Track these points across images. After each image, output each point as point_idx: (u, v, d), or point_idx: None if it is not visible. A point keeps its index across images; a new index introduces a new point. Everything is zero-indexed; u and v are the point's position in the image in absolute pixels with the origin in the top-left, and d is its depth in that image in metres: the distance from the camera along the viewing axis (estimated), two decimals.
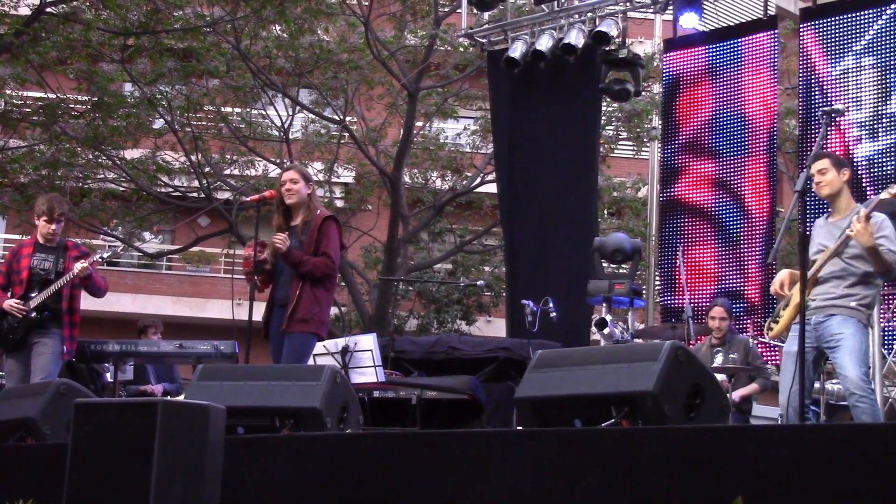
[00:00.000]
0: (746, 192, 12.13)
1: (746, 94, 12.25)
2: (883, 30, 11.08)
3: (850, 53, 11.25)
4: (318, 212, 7.87)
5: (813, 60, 11.48)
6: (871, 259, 6.79)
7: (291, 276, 7.71)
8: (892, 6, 11.07)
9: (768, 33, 12.25)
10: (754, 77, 12.22)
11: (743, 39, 12.40)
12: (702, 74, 12.57)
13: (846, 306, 6.83)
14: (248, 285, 7.84)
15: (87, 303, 9.03)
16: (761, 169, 12.05)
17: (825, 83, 11.39)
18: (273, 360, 7.82)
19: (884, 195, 6.95)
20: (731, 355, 9.64)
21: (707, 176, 12.36)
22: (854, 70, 11.20)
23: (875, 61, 11.09)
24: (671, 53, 13.06)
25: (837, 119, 10.30)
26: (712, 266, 12.24)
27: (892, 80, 11.00)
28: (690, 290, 11.64)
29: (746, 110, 12.23)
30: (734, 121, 12.30)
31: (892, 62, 11.01)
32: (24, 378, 8.52)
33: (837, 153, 10.34)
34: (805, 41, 11.67)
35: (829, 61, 11.38)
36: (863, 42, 11.19)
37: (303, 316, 7.59)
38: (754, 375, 9.71)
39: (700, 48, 12.59)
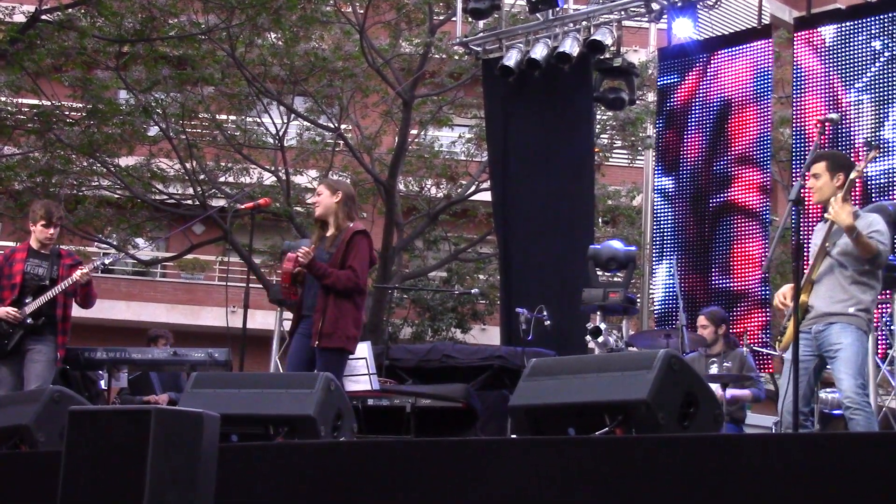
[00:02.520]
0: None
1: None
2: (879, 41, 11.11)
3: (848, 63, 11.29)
4: (351, 224, 7.81)
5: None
6: (854, 243, 6.72)
7: (321, 289, 7.67)
8: (884, 15, 11.09)
9: (763, 42, 12.28)
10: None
11: (737, 48, 12.42)
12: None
13: (844, 313, 6.77)
14: (243, 293, 7.83)
15: (81, 310, 9.01)
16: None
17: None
18: (288, 365, 7.78)
19: (853, 175, 6.94)
20: (725, 363, 9.63)
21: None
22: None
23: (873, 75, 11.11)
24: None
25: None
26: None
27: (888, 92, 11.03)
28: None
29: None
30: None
31: (888, 76, 11.03)
32: (16, 386, 8.50)
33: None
34: (799, 50, 11.70)
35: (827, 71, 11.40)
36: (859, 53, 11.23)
37: (328, 330, 7.50)
38: (748, 386, 9.70)
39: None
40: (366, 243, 7.77)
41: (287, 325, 8.70)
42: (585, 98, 12.85)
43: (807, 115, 11.48)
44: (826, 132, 9.36)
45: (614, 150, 20.89)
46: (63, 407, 6.29)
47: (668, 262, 12.44)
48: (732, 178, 12.30)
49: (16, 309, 8.52)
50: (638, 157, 19.66)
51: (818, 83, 11.47)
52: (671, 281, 12.18)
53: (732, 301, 11.95)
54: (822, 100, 11.40)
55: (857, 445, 4.28)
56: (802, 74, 11.63)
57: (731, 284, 12.04)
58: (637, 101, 15.20)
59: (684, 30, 12.70)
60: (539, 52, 12.57)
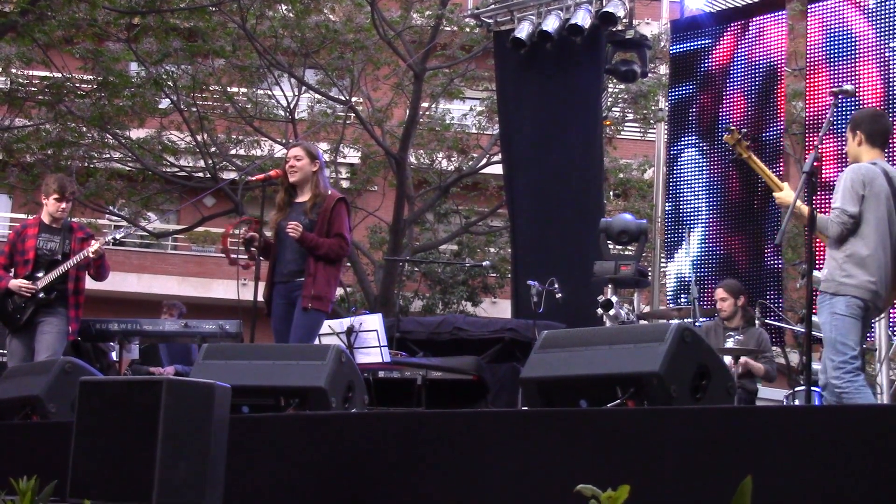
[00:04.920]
0: None
1: None
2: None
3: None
4: (329, 192, 7.84)
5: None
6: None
7: (298, 254, 7.68)
8: None
9: (776, 14, 12.19)
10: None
11: (750, 20, 12.33)
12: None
13: (821, 279, 6.55)
14: (254, 266, 7.82)
15: (92, 282, 9.02)
16: None
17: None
18: (275, 336, 7.81)
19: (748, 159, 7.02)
20: (737, 337, 9.60)
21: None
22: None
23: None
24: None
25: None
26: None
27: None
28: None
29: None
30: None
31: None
32: (26, 357, 8.52)
33: None
34: (814, 22, 11.60)
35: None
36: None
37: (318, 293, 7.58)
38: (763, 363, 9.68)
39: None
40: (346, 210, 7.87)
41: None
42: (597, 71, 12.79)
43: (820, 87, 11.39)
44: (838, 104, 9.26)
45: (626, 123, 20.82)
46: (74, 378, 6.31)
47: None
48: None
49: (29, 282, 8.54)
50: (650, 130, 19.59)
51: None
52: (697, 251, 12.14)
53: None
54: (873, 62, 11.20)
55: (868, 417, 4.27)
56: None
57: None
58: (649, 74, 15.13)
59: (696, 1, 12.64)
60: (551, 24, 12.51)
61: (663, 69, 17.54)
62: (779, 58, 12.14)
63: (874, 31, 11.07)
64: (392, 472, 5.23)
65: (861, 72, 11.11)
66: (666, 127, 14.01)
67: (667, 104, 14.02)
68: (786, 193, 6.92)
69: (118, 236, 9.19)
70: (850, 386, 6.26)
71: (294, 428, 5.74)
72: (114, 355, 10.75)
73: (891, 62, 10.94)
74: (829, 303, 6.44)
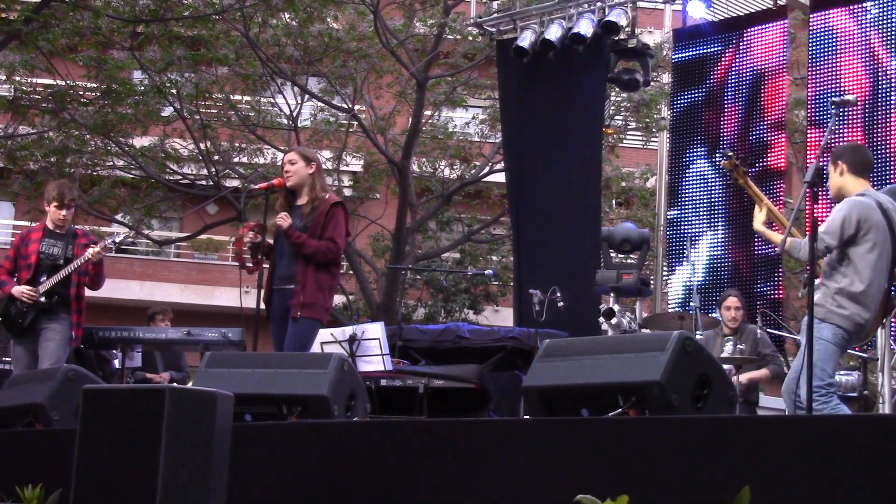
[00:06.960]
0: None
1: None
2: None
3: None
4: (327, 196, 7.79)
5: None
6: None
7: (294, 258, 7.69)
8: None
9: (778, 23, 12.21)
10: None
11: (752, 29, 12.35)
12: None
13: (814, 304, 6.47)
14: (256, 273, 7.83)
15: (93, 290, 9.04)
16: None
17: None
18: (274, 342, 7.81)
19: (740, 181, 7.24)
20: (738, 346, 9.60)
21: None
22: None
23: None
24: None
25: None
26: None
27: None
28: None
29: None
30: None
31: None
32: (31, 364, 8.54)
33: None
34: (816, 30, 11.61)
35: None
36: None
37: (307, 301, 7.57)
38: (763, 365, 9.67)
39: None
40: (343, 215, 7.78)
41: None
42: (599, 79, 12.81)
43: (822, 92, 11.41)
44: (839, 115, 9.27)
45: (628, 132, 20.84)
46: (77, 385, 6.32)
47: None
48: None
49: (31, 288, 8.56)
50: (652, 139, 19.61)
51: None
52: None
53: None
54: (864, 69, 11.21)
55: (867, 426, 4.28)
56: (832, 47, 11.44)
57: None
58: (651, 83, 15.15)
59: (697, 10, 12.67)
60: (553, 32, 12.53)
61: (666, 78, 17.56)
62: (778, 63, 12.17)
63: (870, 39, 11.12)
64: (394, 480, 5.24)
65: (854, 79, 11.14)
66: (668, 135, 14.04)
67: (669, 113, 14.06)
68: (756, 219, 7.15)
69: (117, 240, 9.19)
70: (825, 407, 6.35)
71: (296, 436, 5.76)
72: (116, 363, 10.76)
73: (882, 72, 10.98)
74: (817, 327, 6.42)
